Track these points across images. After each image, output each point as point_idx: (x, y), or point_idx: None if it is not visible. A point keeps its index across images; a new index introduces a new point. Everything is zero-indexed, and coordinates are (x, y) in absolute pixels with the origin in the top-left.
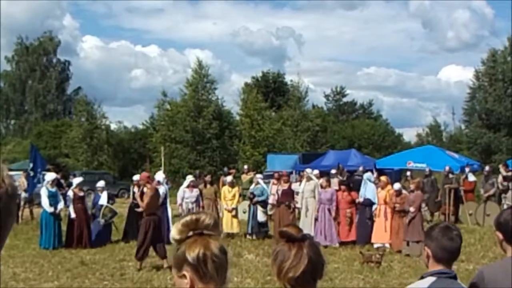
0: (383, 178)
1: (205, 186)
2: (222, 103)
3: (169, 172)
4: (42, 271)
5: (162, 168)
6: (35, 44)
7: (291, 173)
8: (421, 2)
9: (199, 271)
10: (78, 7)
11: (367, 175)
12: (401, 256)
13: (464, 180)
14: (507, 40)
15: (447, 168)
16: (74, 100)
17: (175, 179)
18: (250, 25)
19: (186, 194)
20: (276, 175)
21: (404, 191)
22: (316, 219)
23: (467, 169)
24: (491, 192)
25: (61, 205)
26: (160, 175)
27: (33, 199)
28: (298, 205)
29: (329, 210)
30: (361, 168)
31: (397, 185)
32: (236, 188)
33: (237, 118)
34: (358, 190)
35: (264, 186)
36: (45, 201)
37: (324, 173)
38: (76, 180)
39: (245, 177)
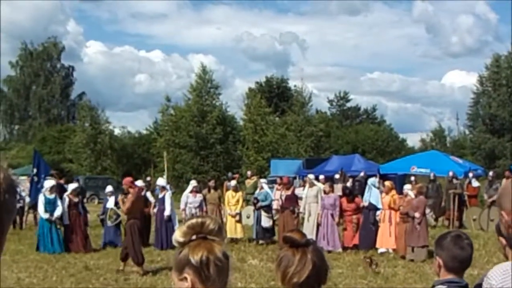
0: (387, 183)
1: (208, 191)
2: (226, 108)
3: (173, 177)
4: (46, 276)
5: (166, 173)
6: (39, 50)
7: (295, 178)
8: (425, 7)
9: (201, 274)
10: (82, 12)
11: (371, 180)
12: (405, 261)
13: (468, 185)
14: (511, 45)
15: (450, 173)
16: (78, 105)
17: (178, 184)
18: (253, 30)
19: (189, 199)
20: (279, 180)
21: (412, 194)
22: (319, 224)
23: (470, 174)
24: (495, 197)
25: (58, 211)
26: (161, 181)
27: (36, 205)
28: (301, 210)
29: (332, 215)
30: (362, 174)
31: (407, 186)
32: (239, 193)
33: (241, 123)
34: (360, 194)
35: (268, 190)
36: (41, 208)
37: (328, 179)
38: (72, 186)
39: (248, 182)
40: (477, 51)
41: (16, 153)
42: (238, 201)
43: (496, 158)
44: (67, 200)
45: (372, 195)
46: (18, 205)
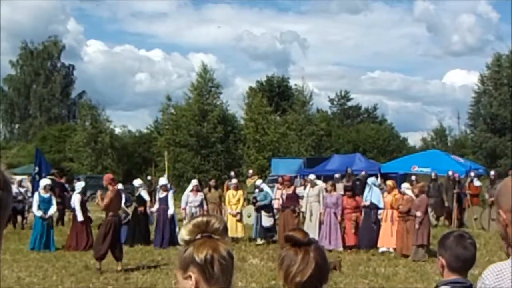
0: (389, 182)
1: (209, 190)
2: (227, 107)
3: (174, 177)
4: (47, 276)
5: (166, 172)
6: (40, 49)
7: (296, 177)
8: (426, 6)
9: (206, 273)
10: (82, 11)
11: (372, 179)
12: (406, 261)
13: (469, 184)
14: None
15: (450, 172)
16: (79, 104)
17: (179, 184)
18: (254, 30)
19: (190, 198)
20: (280, 179)
21: (409, 193)
22: (321, 223)
23: (472, 174)
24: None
25: (52, 210)
26: (163, 180)
27: None
28: (302, 210)
29: (335, 214)
30: (363, 173)
31: (405, 185)
32: (240, 192)
33: (242, 122)
34: (360, 194)
35: (268, 190)
36: (34, 206)
37: (328, 178)
38: (80, 184)
39: (249, 182)
40: (478, 50)
41: (16, 152)
42: (238, 200)
43: (497, 158)
44: (79, 197)
45: (373, 194)
46: (20, 205)
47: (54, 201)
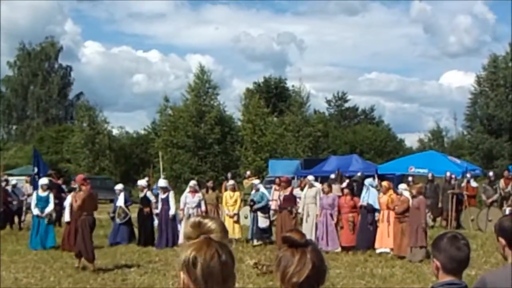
0: (384, 183)
1: (206, 191)
2: (224, 109)
3: (171, 178)
4: (44, 277)
5: (161, 173)
6: (37, 50)
7: (293, 178)
8: (423, 7)
9: (190, 273)
10: (79, 12)
11: (369, 181)
12: (403, 261)
13: (467, 185)
14: (508, 45)
15: (448, 173)
16: (76, 106)
17: (176, 185)
18: (251, 31)
19: (187, 199)
20: (277, 180)
21: (407, 194)
22: (317, 224)
23: (468, 175)
24: (494, 197)
25: (49, 208)
26: (163, 182)
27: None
28: (299, 211)
29: (331, 215)
30: (359, 174)
31: (402, 186)
32: (237, 193)
33: (239, 123)
34: (357, 195)
35: (265, 191)
36: (32, 205)
37: (325, 179)
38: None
39: (247, 183)
40: (475, 51)
41: (14, 153)
42: (236, 201)
43: (494, 159)
44: (70, 199)
45: (370, 195)
46: (17, 206)
47: (51, 200)
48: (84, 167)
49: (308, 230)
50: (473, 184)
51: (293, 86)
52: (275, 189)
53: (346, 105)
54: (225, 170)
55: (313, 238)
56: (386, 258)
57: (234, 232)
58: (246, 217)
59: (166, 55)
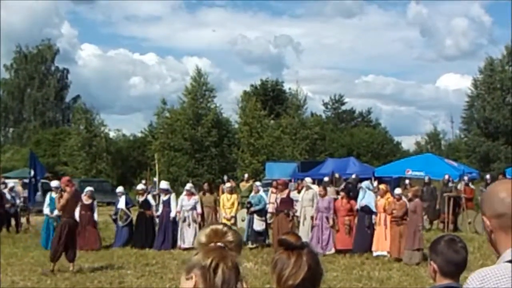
0: (382, 186)
1: (203, 194)
2: (221, 111)
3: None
4: (41, 279)
5: (157, 175)
6: (34, 52)
7: (290, 181)
8: (419, 10)
9: (206, 278)
10: (76, 15)
11: (365, 183)
12: (400, 264)
13: (465, 187)
14: (505, 49)
15: (446, 176)
16: (73, 108)
17: (173, 187)
18: (248, 33)
19: (184, 202)
20: (274, 183)
21: (403, 198)
22: (313, 227)
23: (465, 178)
24: None
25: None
26: (164, 184)
27: (28, 207)
28: (297, 214)
29: (327, 218)
30: (354, 176)
31: (398, 190)
32: (234, 196)
33: (236, 126)
34: (352, 197)
35: (263, 194)
36: (44, 205)
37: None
38: (87, 188)
39: (244, 185)
40: (472, 54)
41: (10, 156)
42: (233, 204)
43: (491, 161)
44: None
45: (367, 198)
46: (13, 209)
47: None
48: (81, 170)
49: (305, 233)
50: (471, 186)
51: (290, 88)
52: (272, 192)
53: (343, 107)
54: (222, 172)
55: (309, 241)
56: (383, 261)
57: None
58: (243, 220)
59: (163, 57)
